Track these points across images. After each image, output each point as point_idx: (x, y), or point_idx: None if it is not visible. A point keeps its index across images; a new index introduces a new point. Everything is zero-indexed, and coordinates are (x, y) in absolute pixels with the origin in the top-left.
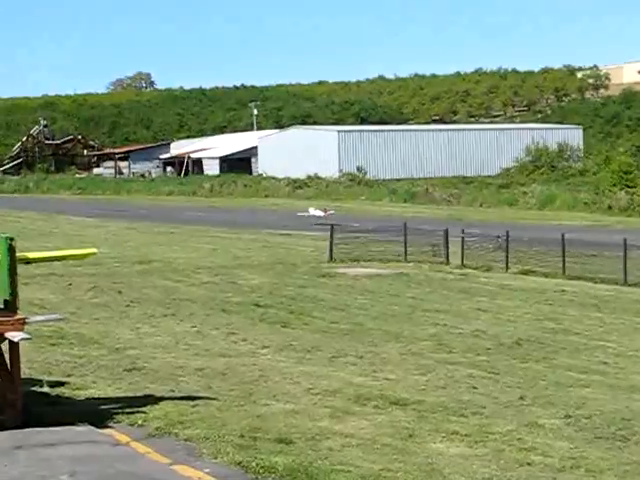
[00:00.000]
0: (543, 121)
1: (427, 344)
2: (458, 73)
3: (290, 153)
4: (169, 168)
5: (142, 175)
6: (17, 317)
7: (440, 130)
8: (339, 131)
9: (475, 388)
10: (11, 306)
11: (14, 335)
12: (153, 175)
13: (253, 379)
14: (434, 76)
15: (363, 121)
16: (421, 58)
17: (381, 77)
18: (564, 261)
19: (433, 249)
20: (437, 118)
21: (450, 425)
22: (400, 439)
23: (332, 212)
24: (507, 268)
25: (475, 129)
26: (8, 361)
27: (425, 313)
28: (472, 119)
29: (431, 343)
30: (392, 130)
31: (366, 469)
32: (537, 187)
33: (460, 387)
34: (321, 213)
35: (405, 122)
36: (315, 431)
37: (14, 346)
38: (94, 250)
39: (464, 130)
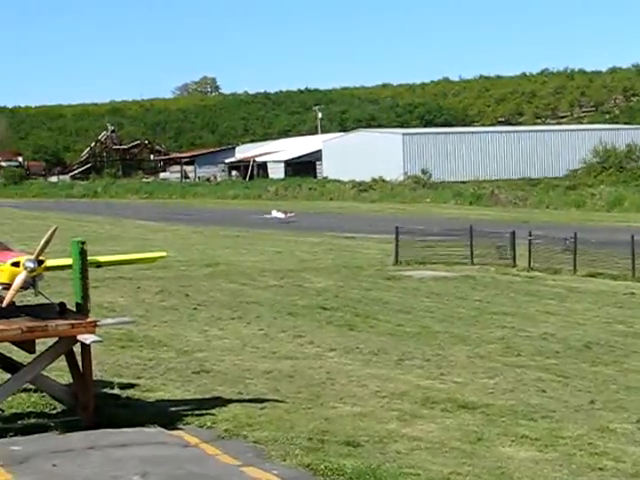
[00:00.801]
0: (611, 122)
1: (494, 347)
2: (524, 74)
3: (354, 156)
4: (234, 172)
5: (207, 179)
6: (89, 320)
7: (506, 132)
8: (404, 134)
9: (544, 392)
10: (83, 309)
11: (86, 338)
12: (218, 179)
13: (320, 382)
14: (499, 77)
15: (428, 123)
16: (486, 59)
17: (446, 79)
18: (634, 263)
19: (499, 251)
20: (503, 120)
21: (519, 429)
22: (469, 443)
23: (292, 215)
24: (575, 270)
25: (541, 130)
26: (80, 363)
27: (492, 316)
28: (538, 120)
29: (499, 346)
30: (457, 132)
31: (435, 472)
32: (605, 188)
33: (529, 390)
34: (282, 215)
35: (470, 124)
36: (383, 434)
37: (86, 348)
38: (163, 254)
39: (530, 132)
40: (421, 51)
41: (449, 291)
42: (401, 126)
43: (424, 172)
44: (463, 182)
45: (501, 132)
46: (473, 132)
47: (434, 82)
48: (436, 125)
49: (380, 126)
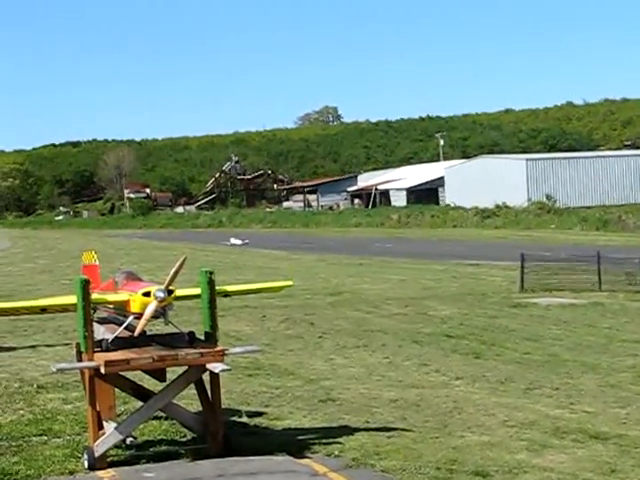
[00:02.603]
0: None
1: (626, 376)
2: None
3: (477, 183)
4: (356, 200)
5: (330, 207)
6: (217, 349)
7: (632, 155)
8: (527, 159)
9: None
10: (211, 338)
11: (215, 366)
12: (341, 207)
13: (447, 410)
14: (625, 100)
15: (551, 148)
16: (610, 82)
17: (569, 103)
18: None
19: (628, 278)
20: (629, 143)
21: None
22: (602, 474)
23: (247, 242)
24: None
25: None
26: (209, 391)
27: (622, 344)
28: None
29: (630, 375)
30: (582, 157)
31: None
32: None
33: None
34: (239, 242)
35: (595, 148)
36: (512, 464)
37: (215, 377)
38: (290, 282)
39: None
40: (544, 75)
41: (577, 318)
42: (524, 152)
43: (548, 198)
44: (589, 207)
45: (628, 156)
46: (598, 156)
47: (557, 106)
48: (560, 150)
49: (503, 152)
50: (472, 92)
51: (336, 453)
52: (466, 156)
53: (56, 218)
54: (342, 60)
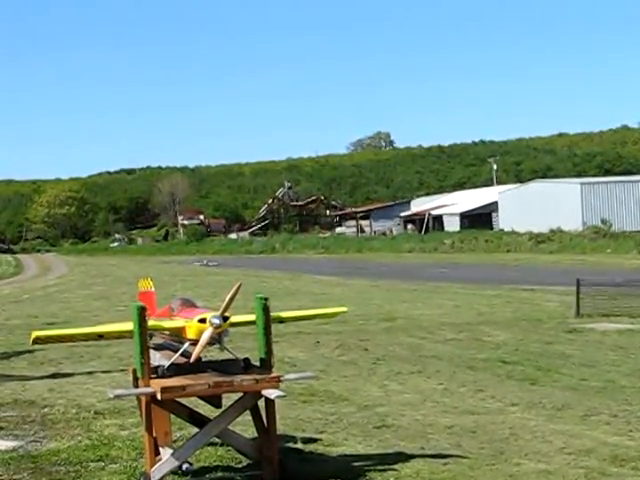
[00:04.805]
0: None
1: None
2: None
3: (531, 207)
4: (410, 225)
5: (383, 233)
6: (273, 375)
7: None
8: (582, 183)
9: None
10: (266, 364)
11: (270, 392)
12: (394, 233)
13: (503, 437)
14: None
15: (607, 172)
16: None
17: (624, 126)
18: None
19: None
20: None
21: None
22: None
23: (216, 264)
24: None
25: None
26: (264, 418)
27: None
28: None
29: None
30: (638, 181)
31: None
32: None
33: None
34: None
35: None
36: None
37: (270, 403)
38: (344, 309)
39: None
40: (598, 99)
41: (635, 344)
42: (579, 176)
43: (604, 222)
44: None
45: None
46: None
47: (612, 130)
48: (615, 174)
49: (556, 176)
50: (525, 116)
51: None
52: (520, 180)
53: (111, 245)
54: (394, 85)
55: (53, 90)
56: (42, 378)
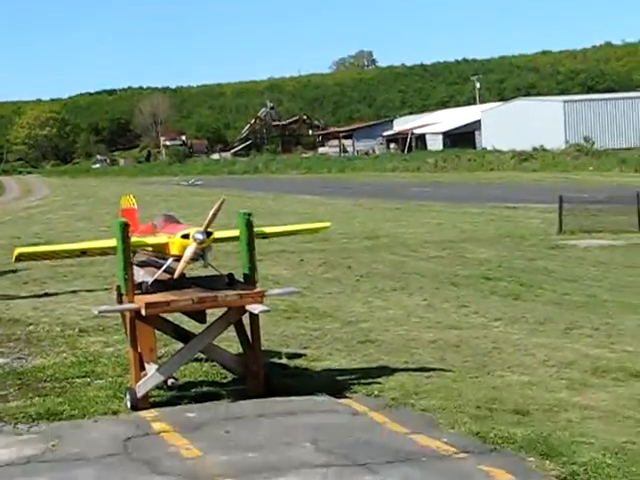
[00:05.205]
0: None
1: None
2: None
3: (514, 126)
4: (392, 145)
5: (366, 153)
6: (257, 290)
7: None
8: (565, 101)
9: None
10: (250, 280)
11: (254, 307)
12: (377, 152)
13: (486, 351)
14: None
15: (590, 90)
16: None
17: (608, 44)
18: None
19: None
20: None
21: None
22: None
23: (201, 182)
24: None
25: None
26: (249, 333)
27: None
28: None
29: None
30: (621, 98)
31: (608, 441)
32: None
33: None
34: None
35: (634, 89)
36: (552, 403)
37: (254, 318)
38: (327, 224)
39: None
40: (582, 16)
41: (616, 259)
42: (562, 93)
43: (586, 140)
44: (628, 149)
45: None
46: (638, 97)
47: (596, 47)
48: (599, 91)
49: (540, 94)
50: (508, 34)
51: (376, 393)
52: (503, 99)
53: (93, 166)
54: (377, 3)
55: (34, 10)
56: (26, 297)
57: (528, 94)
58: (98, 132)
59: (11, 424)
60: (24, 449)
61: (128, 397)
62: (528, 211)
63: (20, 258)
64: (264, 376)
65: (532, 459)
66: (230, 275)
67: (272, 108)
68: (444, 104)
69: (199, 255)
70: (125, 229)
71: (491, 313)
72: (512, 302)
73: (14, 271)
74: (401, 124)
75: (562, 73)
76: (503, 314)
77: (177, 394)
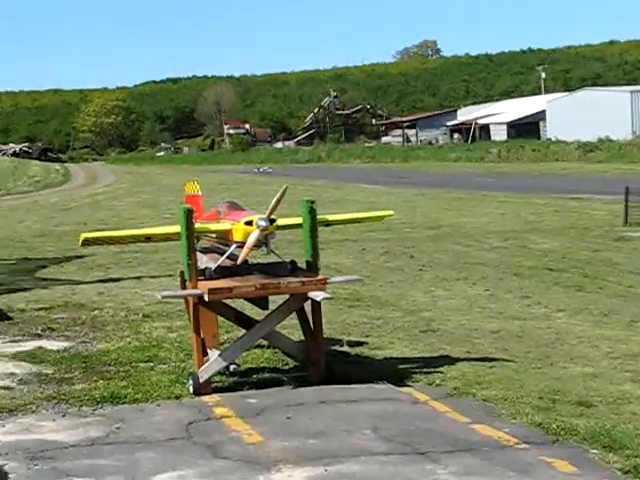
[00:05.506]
0: None
1: None
2: None
3: (580, 116)
4: (456, 135)
5: (429, 142)
6: (319, 277)
7: None
8: (632, 91)
9: None
10: (313, 267)
11: (317, 295)
12: (440, 142)
13: (549, 342)
14: None
15: None
16: None
17: None
18: None
19: None
20: None
21: None
22: None
23: (270, 170)
24: None
25: None
26: (311, 320)
27: None
28: None
29: None
30: None
31: None
32: None
33: None
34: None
35: None
36: (616, 395)
37: (316, 306)
38: (391, 212)
39: None
40: None
41: None
42: (629, 84)
43: None
44: None
45: None
46: None
47: None
48: None
49: (607, 84)
50: (575, 23)
51: (437, 382)
52: (568, 89)
53: (157, 154)
54: None
55: (100, 0)
56: (91, 282)
57: (595, 84)
58: (163, 120)
59: (76, 406)
60: (89, 431)
61: (191, 382)
62: (593, 202)
63: (86, 243)
64: (325, 363)
65: (595, 451)
66: (293, 262)
67: (336, 97)
68: (508, 94)
69: (262, 242)
70: (189, 215)
71: (554, 304)
72: (576, 293)
73: (80, 257)
74: (465, 114)
75: (629, 63)
76: (566, 305)
77: (239, 380)
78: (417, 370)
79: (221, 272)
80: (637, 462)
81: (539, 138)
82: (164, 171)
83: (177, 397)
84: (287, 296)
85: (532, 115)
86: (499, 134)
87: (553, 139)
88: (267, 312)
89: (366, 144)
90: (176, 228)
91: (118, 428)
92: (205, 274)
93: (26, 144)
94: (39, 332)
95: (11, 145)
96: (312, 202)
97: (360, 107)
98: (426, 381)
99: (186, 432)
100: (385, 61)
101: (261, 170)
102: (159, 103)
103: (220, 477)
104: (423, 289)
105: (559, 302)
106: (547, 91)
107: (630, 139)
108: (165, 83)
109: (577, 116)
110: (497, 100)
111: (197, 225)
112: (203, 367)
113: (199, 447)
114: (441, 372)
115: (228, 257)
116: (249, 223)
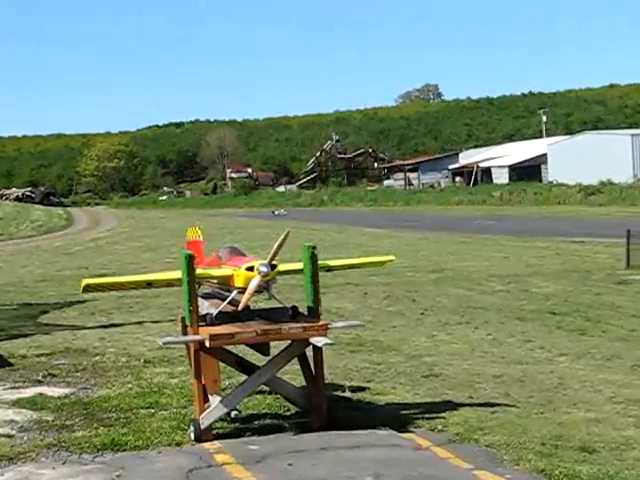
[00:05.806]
0: None
1: None
2: None
3: (581, 159)
4: (458, 178)
5: (431, 186)
6: (321, 323)
7: None
8: (633, 135)
9: None
10: (314, 312)
11: (318, 340)
12: (442, 185)
13: (552, 386)
14: None
15: None
16: None
17: None
18: None
19: None
20: None
21: None
22: None
23: (285, 213)
24: None
25: None
26: (312, 366)
27: None
28: None
29: None
30: None
31: None
32: None
33: None
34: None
35: None
36: (620, 440)
37: (318, 351)
38: (392, 257)
39: None
40: None
41: None
42: (630, 127)
43: None
44: None
45: None
46: None
47: None
48: None
49: (608, 128)
50: (575, 67)
51: (439, 428)
52: (569, 132)
53: (160, 198)
54: (442, 37)
55: (102, 45)
56: (93, 328)
57: (595, 128)
58: (165, 164)
59: (76, 454)
60: (89, 479)
61: (192, 428)
62: (595, 245)
63: (87, 289)
64: (327, 409)
65: None
66: (294, 308)
67: (338, 141)
68: (510, 137)
69: (263, 287)
70: (191, 261)
71: (557, 348)
72: (578, 337)
73: (82, 302)
74: (467, 157)
75: (630, 106)
76: (569, 349)
77: (240, 426)
78: (419, 416)
79: (222, 318)
80: None
81: (541, 181)
82: (166, 215)
83: (178, 444)
84: (289, 342)
85: (534, 158)
86: (501, 177)
87: (555, 182)
88: (268, 358)
89: (368, 187)
90: (177, 274)
91: (119, 476)
92: (206, 320)
93: (29, 188)
94: (40, 378)
95: (14, 190)
96: (313, 248)
97: (362, 151)
98: (428, 427)
99: (187, 479)
100: (387, 105)
101: (276, 213)
102: (162, 147)
103: None
104: (425, 333)
105: (561, 346)
106: (548, 134)
107: (631, 182)
108: (168, 127)
109: (578, 159)
110: (499, 143)
111: (198, 271)
112: (204, 413)
113: None
114: (443, 417)
115: (229, 303)
116: (250, 269)
